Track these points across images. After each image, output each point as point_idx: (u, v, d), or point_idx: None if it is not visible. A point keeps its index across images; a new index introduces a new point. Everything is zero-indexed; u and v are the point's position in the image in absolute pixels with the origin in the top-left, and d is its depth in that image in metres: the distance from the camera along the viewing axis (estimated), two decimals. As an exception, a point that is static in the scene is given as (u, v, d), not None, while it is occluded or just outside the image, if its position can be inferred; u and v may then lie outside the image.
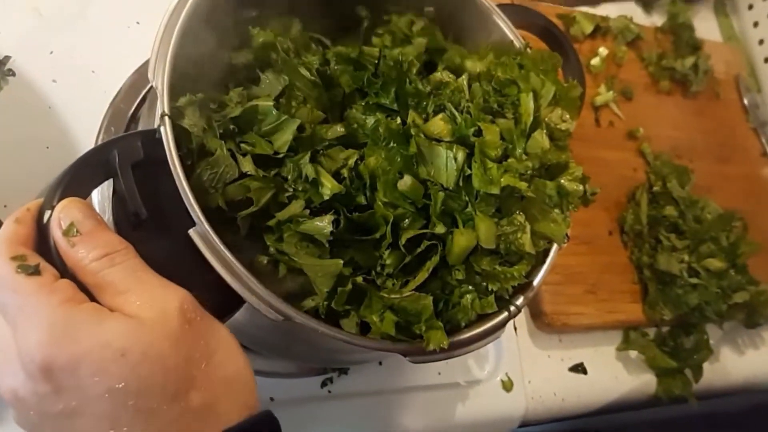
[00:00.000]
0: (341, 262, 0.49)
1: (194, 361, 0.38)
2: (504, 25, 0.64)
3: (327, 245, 0.50)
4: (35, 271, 0.38)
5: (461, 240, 0.53)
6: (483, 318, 0.55)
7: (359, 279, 0.51)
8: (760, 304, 0.95)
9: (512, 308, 0.56)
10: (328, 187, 0.51)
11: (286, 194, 0.51)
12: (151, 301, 0.38)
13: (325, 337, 0.48)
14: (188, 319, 0.38)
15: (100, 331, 0.36)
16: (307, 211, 0.50)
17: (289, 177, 0.52)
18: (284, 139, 0.52)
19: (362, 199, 0.52)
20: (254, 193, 0.49)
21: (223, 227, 0.46)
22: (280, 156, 0.52)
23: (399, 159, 0.53)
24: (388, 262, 0.52)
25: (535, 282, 0.57)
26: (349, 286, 0.50)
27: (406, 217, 0.53)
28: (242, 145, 0.51)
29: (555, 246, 0.58)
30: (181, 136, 0.47)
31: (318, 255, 0.50)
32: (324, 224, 0.49)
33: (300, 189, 0.51)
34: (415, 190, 0.53)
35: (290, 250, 0.49)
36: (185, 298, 0.40)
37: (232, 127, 0.51)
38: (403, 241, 0.52)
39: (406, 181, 0.53)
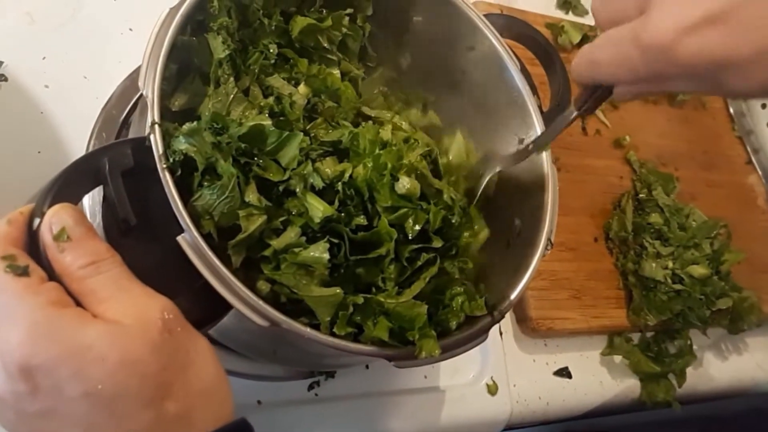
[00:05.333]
0: (341, 292, 0.50)
1: (172, 371, 0.39)
2: (491, 35, 0.66)
3: (327, 271, 0.50)
4: (24, 272, 0.39)
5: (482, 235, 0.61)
6: (467, 323, 0.56)
7: (359, 299, 0.52)
8: (744, 310, 0.96)
9: (496, 313, 0.57)
10: (320, 209, 0.51)
11: (280, 219, 0.51)
12: (132, 309, 0.39)
13: (312, 342, 0.49)
14: (169, 329, 0.39)
15: (80, 334, 0.37)
16: (303, 238, 0.50)
17: (287, 203, 0.52)
18: (291, 155, 0.52)
19: (362, 220, 0.53)
20: (243, 220, 0.49)
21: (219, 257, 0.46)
22: (286, 178, 0.52)
23: (388, 163, 0.54)
24: (392, 276, 0.53)
25: (519, 287, 0.58)
26: (351, 308, 0.51)
27: (409, 216, 0.54)
28: (254, 167, 0.51)
29: (539, 251, 0.59)
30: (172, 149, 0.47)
31: (318, 281, 0.50)
32: (320, 254, 0.49)
33: (295, 213, 0.51)
34: (414, 188, 0.54)
35: (289, 282, 0.50)
36: (167, 307, 0.40)
37: (243, 146, 0.51)
38: (406, 254, 0.54)
39: (404, 184, 0.54)
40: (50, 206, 0.42)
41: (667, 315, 0.91)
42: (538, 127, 0.64)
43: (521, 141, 0.65)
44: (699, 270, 0.92)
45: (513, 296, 0.57)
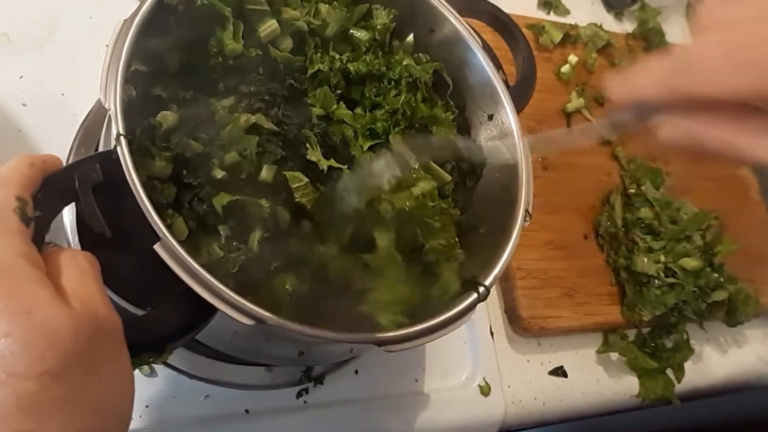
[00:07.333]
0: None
1: (81, 363, 0.37)
2: (450, 16, 0.66)
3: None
4: (26, 222, 0.40)
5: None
6: (453, 302, 0.56)
7: None
8: (740, 302, 0.96)
9: (481, 289, 0.56)
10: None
11: None
12: (84, 297, 0.39)
13: (299, 335, 0.49)
14: (102, 333, 0.38)
15: (30, 289, 0.36)
16: None
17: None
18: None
19: None
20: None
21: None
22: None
23: None
24: None
25: (501, 261, 0.57)
26: None
27: None
28: None
29: (518, 223, 0.59)
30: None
31: None
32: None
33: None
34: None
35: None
36: (113, 318, 0.40)
37: None
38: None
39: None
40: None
41: (661, 309, 0.90)
42: (506, 103, 0.64)
43: (491, 117, 0.66)
44: (691, 262, 0.91)
45: (496, 271, 0.57)
